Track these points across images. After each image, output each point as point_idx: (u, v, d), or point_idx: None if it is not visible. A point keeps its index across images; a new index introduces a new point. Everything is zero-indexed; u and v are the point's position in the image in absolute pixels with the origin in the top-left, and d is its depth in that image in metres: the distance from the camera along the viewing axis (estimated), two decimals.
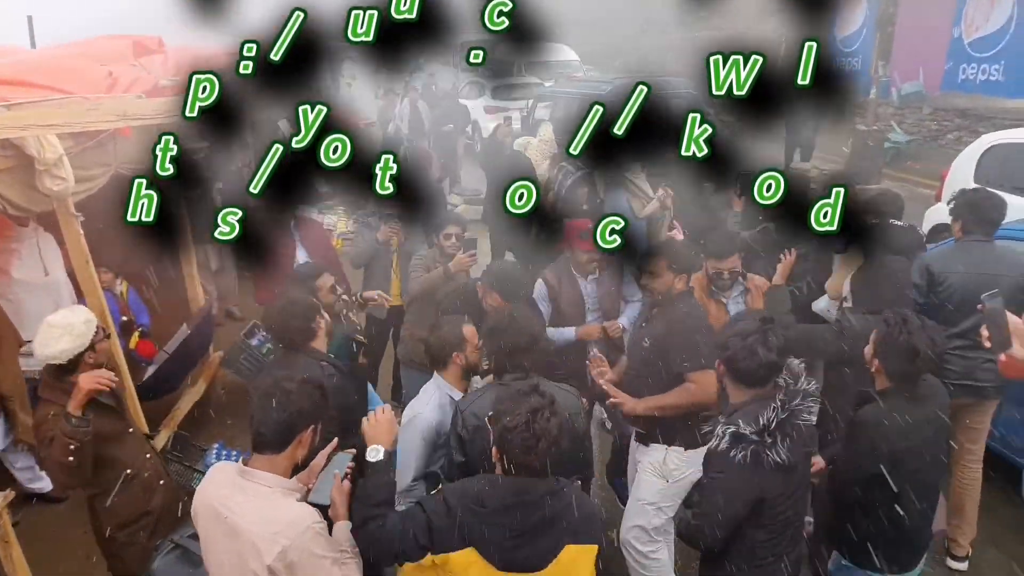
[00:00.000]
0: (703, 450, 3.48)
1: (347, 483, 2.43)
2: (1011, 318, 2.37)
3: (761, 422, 2.52)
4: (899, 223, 4.76)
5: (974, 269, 3.94)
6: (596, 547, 2.33)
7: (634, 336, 3.94)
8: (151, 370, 4.84)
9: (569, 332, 4.43)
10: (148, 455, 3.57)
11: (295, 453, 2.37)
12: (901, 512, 2.85)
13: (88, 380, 3.09)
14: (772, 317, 2.72)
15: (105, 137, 4.22)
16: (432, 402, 3.25)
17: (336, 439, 2.50)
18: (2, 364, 4.23)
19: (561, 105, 11.27)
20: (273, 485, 2.31)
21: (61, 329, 3.18)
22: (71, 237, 3.94)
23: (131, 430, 3.52)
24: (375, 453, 2.47)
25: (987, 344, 2.43)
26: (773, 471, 2.53)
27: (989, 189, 4.62)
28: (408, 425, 3.17)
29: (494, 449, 2.30)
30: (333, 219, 7.67)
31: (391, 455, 2.52)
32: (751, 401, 2.63)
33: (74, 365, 3.22)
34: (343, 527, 2.36)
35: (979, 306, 2.52)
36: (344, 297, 4.58)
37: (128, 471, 3.36)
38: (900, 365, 2.80)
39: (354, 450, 2.56)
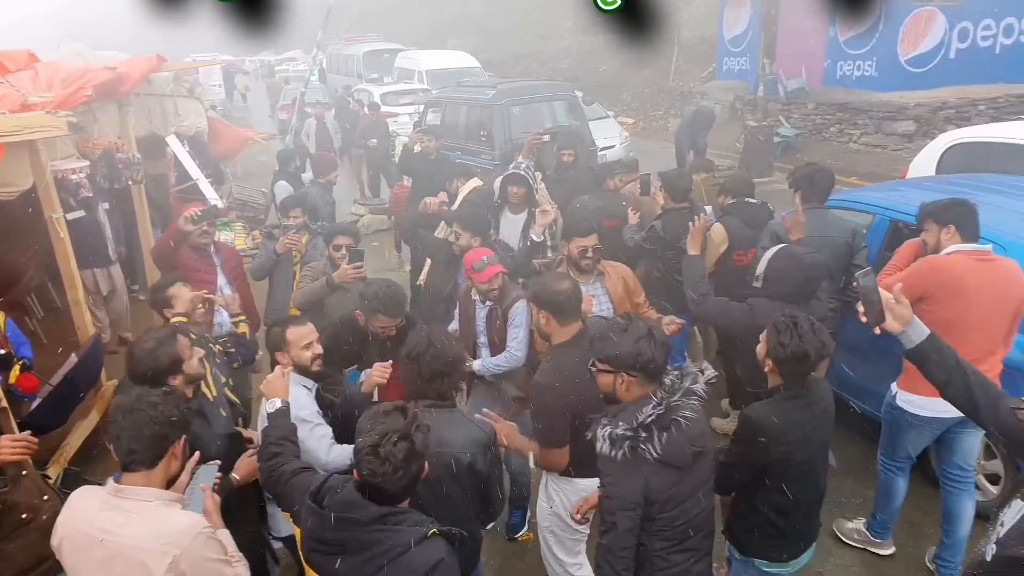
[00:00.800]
0: (578, 480, 3.42)
1: (216, 496, 2.44)
2: (883, 293, 2.50)
3: (638, 419, 2.55)
4: (753, 200, 5.47)
5: (813, 232, 4.52)
6: None
7: None
8: (35, 404, 4.56)
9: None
10: (46, 496, 3.31)
11: (169, 466, 2.34)
12: (788, 505, 2.96)
13: None
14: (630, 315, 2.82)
15: None
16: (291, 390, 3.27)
17: (198, 452, 2.45)
18: None
19: (451, 110, 11.49)
20: (153, 498, 2.27)
21: None
22: None
23: (24, 472, 3.28)
24: (273, 405, 2.89)
25: (863, 319, 2.56)
26: (656, 468, 2.54)
27: (821, 165, 5.29)
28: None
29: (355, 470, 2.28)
30: (230, 236, 7.45)
31: (287, 404, 2.98)
32: (643, 397, 2.65)
33: None
34: (225, 535, 2.36)
35: (853, 283, 2.67)
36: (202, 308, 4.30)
37: (24, 515, 3.11)
38: (791, 367, 2.90)
39: (219, 461, 2.56)
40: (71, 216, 5.80)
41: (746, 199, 5.46)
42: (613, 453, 2.56)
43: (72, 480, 4.58)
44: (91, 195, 5.96)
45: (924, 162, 7.36)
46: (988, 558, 2.14)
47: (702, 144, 12.23)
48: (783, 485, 2.93)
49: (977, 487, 4.22)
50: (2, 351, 4.82)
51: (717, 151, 13.47)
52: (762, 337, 3.03)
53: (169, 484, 2.37)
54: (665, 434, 2.55)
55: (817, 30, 16.01)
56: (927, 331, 2.48)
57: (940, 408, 3.63)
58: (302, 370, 3.45)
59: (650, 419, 2.55)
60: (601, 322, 3.57)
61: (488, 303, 4.40)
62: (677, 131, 12.52)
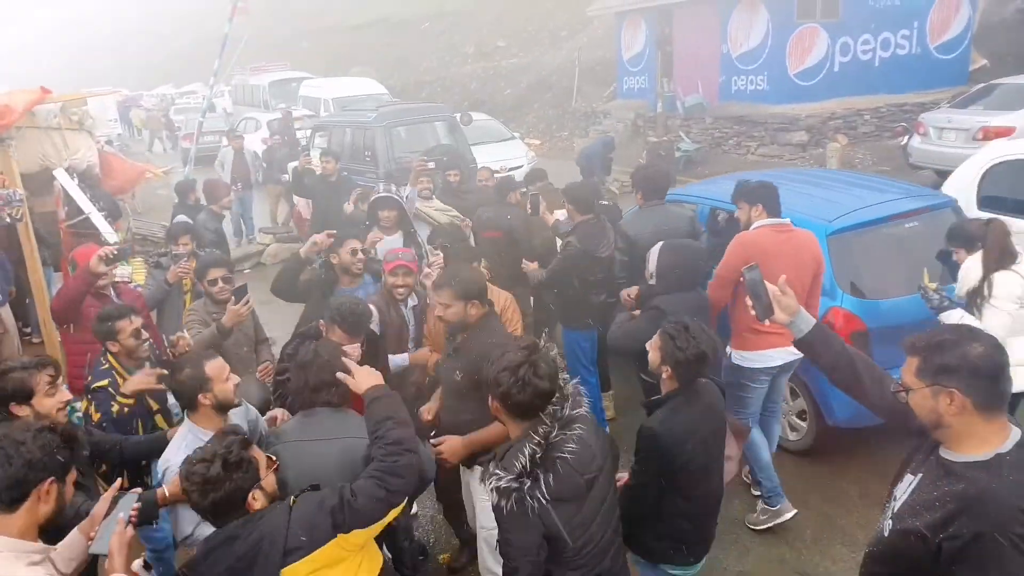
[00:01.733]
0: None
1: (130, 529, 2.28)
2: (769, 287, 2.57)
3: (518, 467, 2.42)
4: (604, 202, 6.10)
5: (656, 227, 5.01)
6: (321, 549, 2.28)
7: (442, 369, 3.80)
8: None
9: (403, 358, 4.39)
10: None
11: (35, 510, 2.15)
12: (692, 509, 3.03)
13: None
14: (537, 343, 2.67)
15: None
16: (182, 448, 2.97)
17: (120, 480, 2.30)
18: None
19: (336, 133, 12.13)
20: (3, 549, 2.07)
21: None
22: None
23: None
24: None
25: (752, 312, 2.63)
26: (548, 508, 2.44)
27: (658, 164, 5.93)
28: (166, 477, 2.94)
29: None
30: (127, 270, 7.09)
31: None
32: (523, 435, 2.53)
33: None
34: None
35: (740, 278, 2.76)
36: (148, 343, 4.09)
37: None
38: (688, 370, 2.99)
39: (139, 490, 2.41)
40: None
41: (599, 202, 5.94)
42: (502, 504, 2.43)
43: None
44: None
45: (962, 183, 6.88)
46: (885, 533, 2.22)
47: (608, 164, 12.60)
48: (687, 490, 2.99)
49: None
50: None
51: (621, 167, 13.80)
52: (651, 346, 3.08)
53: (51, 525, 2.21)
54: (551, 474, 2.44)
55: (710, 48, 16.71)
56: (813, 320, 2.55)
57: (769, 357, 4.30)
58: (225, 405, 3.14)
59: (531, 463, 2.42)
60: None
61: (410, 304, 4.49)
62: (581, 153, 12.82)
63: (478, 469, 3.58)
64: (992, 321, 4.05)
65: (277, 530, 2.24)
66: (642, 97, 19.18)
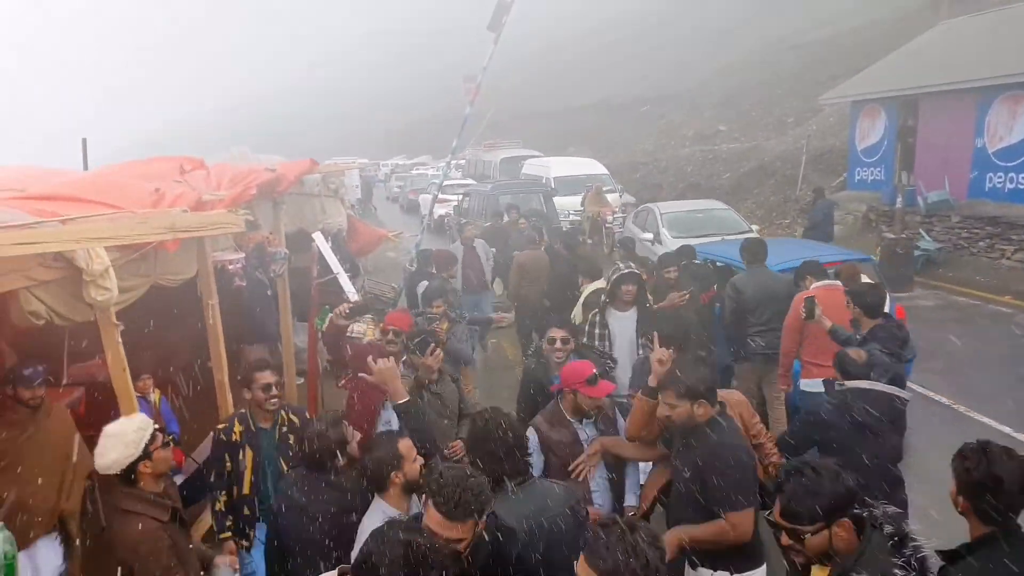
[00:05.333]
0: (751, 573, 3.40)
1: None
2: None
3: (904, 556, 2.32)
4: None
5: (759, 286, 6.74)
6: None
7: (674, 464, 3.67)
8: (178, 480, 4.75)
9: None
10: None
11: None
12: None
13: None
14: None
15: (148, 250, 4.32)
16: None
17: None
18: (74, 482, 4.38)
19: (474, 198, 17.66)
20: None
21: (114, 439, 3.27)
22: (110, 345, 3.97)
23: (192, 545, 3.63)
24: None
25: None
26: None
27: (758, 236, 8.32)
28: None
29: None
30: (362, 327, 7.71)
31: None
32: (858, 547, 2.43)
33: (132, 473, 3.27)
34: None
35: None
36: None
37: None
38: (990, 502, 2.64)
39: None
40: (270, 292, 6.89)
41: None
42: None
43: (203, 561, 4.67)
44: (244, 284, 6.37)
45: None
46: None
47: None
48: None
49: None
50: (156, 426, 5.10)
51: None
52: None
53: None
54: None
55: (961, 140, 15.40)
56: None
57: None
58: (413, 486, 3.18)
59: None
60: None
61: (589, 419, 4.16)
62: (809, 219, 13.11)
63: (704, 571, 3.45)
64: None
65: None
66: (876, 189, 18.01)
